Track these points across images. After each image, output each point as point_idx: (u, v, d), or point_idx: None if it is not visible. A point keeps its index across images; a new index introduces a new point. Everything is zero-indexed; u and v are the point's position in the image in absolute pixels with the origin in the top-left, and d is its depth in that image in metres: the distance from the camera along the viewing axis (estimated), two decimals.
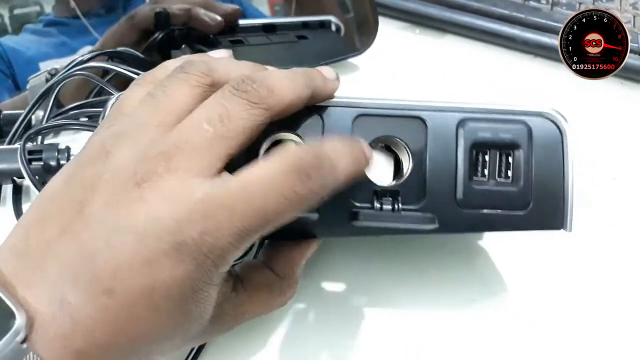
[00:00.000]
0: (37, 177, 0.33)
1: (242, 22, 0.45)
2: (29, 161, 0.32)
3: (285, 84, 0.23)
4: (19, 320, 0.19)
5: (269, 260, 0.27)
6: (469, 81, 0.48)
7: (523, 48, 0.50)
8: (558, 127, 0.25)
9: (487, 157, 0.25)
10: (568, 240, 0.33)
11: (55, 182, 0.23)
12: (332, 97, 0.26)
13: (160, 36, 0.38)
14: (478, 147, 0.25)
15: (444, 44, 0.52)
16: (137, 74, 0.34)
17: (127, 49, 0.37)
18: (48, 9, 0.52)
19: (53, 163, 0.33)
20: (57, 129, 0.36)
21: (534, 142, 0.25)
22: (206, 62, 0.24)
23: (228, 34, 0.44)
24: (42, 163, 0.33)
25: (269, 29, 0.46)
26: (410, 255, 0.32)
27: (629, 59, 0.45)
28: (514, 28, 0.50)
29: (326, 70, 0.26)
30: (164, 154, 0.21)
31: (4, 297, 0.19)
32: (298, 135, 0.25)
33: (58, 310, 0.20)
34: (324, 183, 0.22)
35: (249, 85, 0.22)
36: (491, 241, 0.33)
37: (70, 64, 0.36)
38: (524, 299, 0.31)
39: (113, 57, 0.37)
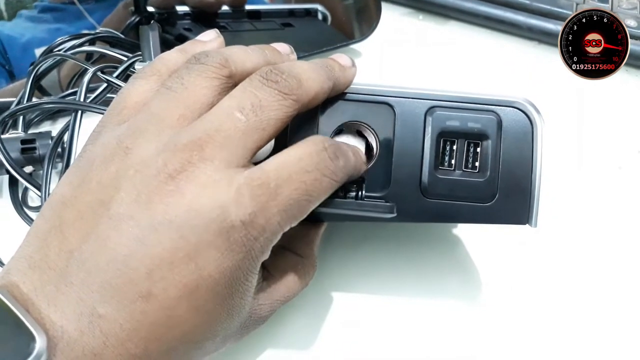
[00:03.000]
0: (31, 166, 0.32)
1: (224, 8, 0.45)
2: (23, 150, 0.32)
3: (310, 75, 0.23)
4: (40, 344, 0.17)
5: (288, 242, 0.26)
6: (472, 67, 0.47)
7: (527, 34, 0.50)
8: (529, 119, 0.25)
9: (454, 147, 0.25)
10: (557, 230, 0.34)
11: (64, 186, 0.21)
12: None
13: (137, 20, 0.37)
14: (446, 136, 0.25)
15: (448, 30, 0.51)
16: (126, 55, 0.34)
17: (109, 30, 0.37)
18: None
19: (44, 152, 0.32)
20: (32, 109, 0.35)
21: (503, 133, 0.25)
22: (221, 52, 0.23)
23: (211, 19, 0.44)
24: (36, 152, 0.32)
25: (253, 15, 0.46)
26: (384, 244, 0.32)
27: (633, 46, 0.45)
28: (518, 14, 0.49)
29: (343, 59, 0.26)
30: (195, 143, 0.20)
31: (23, 319, 0.18)
32: None
33: (87, 325, 0.18)
34: (346, 164, 0.23)
35: (278, 76, 0.22)
36: (468, 229, 0.33)
37: (49, 47, 0.35)
38: (503, 289, 0.31)
39: (95, 40, 0.36)
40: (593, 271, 0.32)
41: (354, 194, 0.24)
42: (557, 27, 0.48)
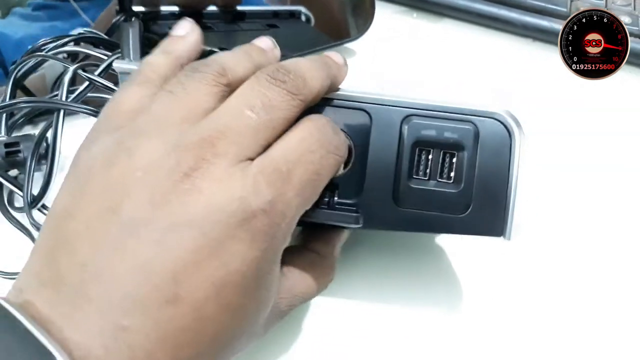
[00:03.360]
0: (16, 169, 0.31)
1: (210, 8, 0.45)
2: (7, 154, 0.31)
3: (314, 74, 0.23)
4: None
5: (308, 242, 0.26)
6: (466, 65, 0.46)
7: (522, 32, 0.49)
8: (508, 131, 0.24)
9: (430, 156, 0.25)
10: (546, 236, 0.33)
11: (63, 197, 0.20)
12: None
13: (122, 19, 0.37)
14: (421, 145, 0.25)
15: (442, 28, 0.51)
16: (107, 55, 0.33)
17: (92, 30, 0.36)
18: None
19: (28, 154, 0.31)
20: (11, 108, 0.34)
21: (480, 145, 0.24)
22: (217, 60, 0.23)
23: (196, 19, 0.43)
24: (20, 155, 0.32)
25: (237, 16, 0.46)
26: (368, 252, 0.31)
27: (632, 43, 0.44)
28: (512, 11, 0.49)
29: (336, 57, 0.26)
30: (206, 140, 0.20)
31: (44, 342, 0.16)
32: None
33: (112, 341, 0.17)
34: (345, 139, 0.23)
35: (285, 76, 0.22)
36: (452, 239, 0.32)
37: (32, 48, 0.35)
38: (487, 299, 0.30)
39: (80, 41, 0.36)
40: (581, 278, 0.32)
41: (327, 199, 0.24)
42: (552, 24, 0.48)
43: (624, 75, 0.45)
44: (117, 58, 0.31)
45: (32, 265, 0.20)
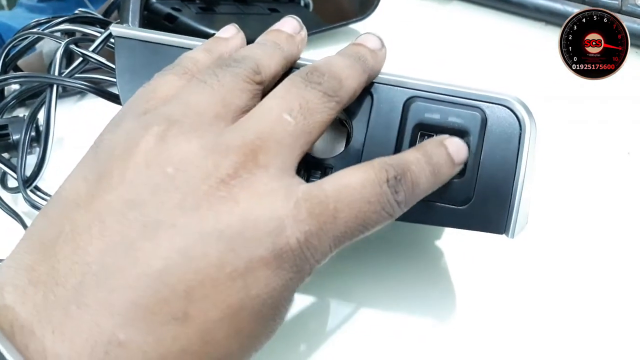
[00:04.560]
0: (6, 153, 0.31)
1: None
2: None
3: (348, 73, 0.22)
4: None
5: None
6: (475, 49, 0.45)
7: (534, 15, 0.48)
8: (518, 120, 0.23)
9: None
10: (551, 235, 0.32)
11: (75, 181, 0.18)
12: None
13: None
14: (424, 129, 0.23)
15: (451, 10, 0.50)
16: (101, 32, 0.32)
17: (87, 10, 0.35)
18: None
19: (17, 137, 0.31)
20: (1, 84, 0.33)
21: (487, 132, 0.23)
22: (252, 58, 0.22)
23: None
24: (10, 138, 0.31)
25: None
26: (365, 253, 0.30)
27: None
28: None
29: (371, 42, 0.24)
30: (248, 147, 0.18)
31: (5, 354, 0.14)
32: None
33: (102, 358, 0.15)
34: (407, 199, 0.20)
35: (320, 77, 0.21)
36: (452, 240, 0.31)
37: (25, 27, 0.34)
38: (486, 302, 0.29)
39: (75, 22, 0.34)
40: (588, 282, 0.30)
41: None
42: (565, 7, 0.46)
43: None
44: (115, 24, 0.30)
45: (22, 256, 0.17)
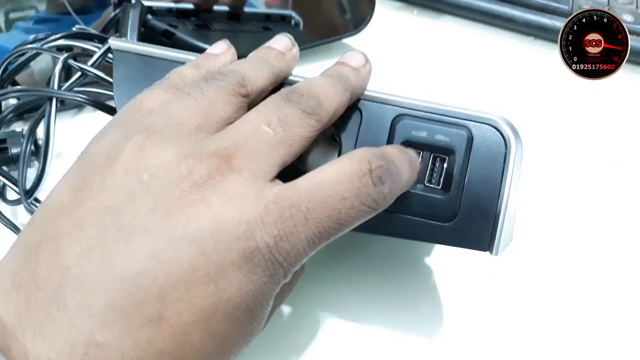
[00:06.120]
0: (5, 167, 0.31)
1: (217, 7, 0.46)
2: None
3: (328, 92, 0.22)
4: None
5: None
6: (466, 63, 0.46)
7: (523, 30, 0.49)
8: (504, 139, 0.23)
9: (419, 159, 0.23)
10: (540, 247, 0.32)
11: (61, 190, 0.19)
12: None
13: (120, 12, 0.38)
14: (411, 146, 0.23)
15: (442, 25, 0.50)
16: (99, 47, 0.33)
17: (85, 27, 0.36)
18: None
19: (16, 150, 0.31)
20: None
21: (472, 151, 0.23)
22: (237, 70, 0.22)
23: (193, 17, 0.45)
24: (8, 152, 0.31)
25: (232, 17, 0.47)
26: (356, 268, 0.30)
27: (633, 42, 0.44)
28: (515, 9, 0.49)
29: (355, 59, 0.25)
30: (222, 152, 0.19)
31: None
32: None
33: (80, 358, 0.16)
34: (392, 189, 0.20)
35: (299, 97, 0.21)
36: (441, 256, 0.31)
37: (23, 42, 0.35)
38: (474, 317, 0.29)
39: (72, 38, 0.35)
40: (576, 301, 0.30)
41: None
42: (554, 22, 0.47)
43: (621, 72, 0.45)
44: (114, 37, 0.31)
45: (8, 262, 0.18)
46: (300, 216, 0.18)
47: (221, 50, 0.25)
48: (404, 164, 0.21)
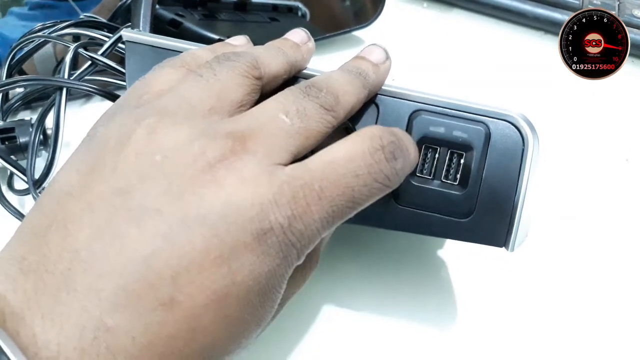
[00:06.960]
0: (13, 156, 0.31)
1: None
2: (2, 140, 0.30)
3: (347, 89, 0.22)
4: None
5: None
6: (475, 57, 0.46)
7: (533, 24, 0.49)
8: (521, 135, 0.23)
9: (436, 155, 0.23)
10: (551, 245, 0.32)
11: (69, 173, 0.18)
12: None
13: (128, 2, 0.37)
14: (428, 142, 0.23)
15: (452, 19, 0.50)
16: (108, 36, 0.32)
17: (92, 15, 0.36)
18: None
19: (24, 140, 0.31)
20: (10, 86, 0.32)
21: (490, 147, 0.23)
22: (250, 52, 0.22)
23: (200, 6, 0.45)
24: (17, 141, 0.31)
25: (239, 7, 0.47)
26: (368, 262, 0.30)
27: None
28: (525, 3, 0.48)
29: (375, 55, 0.24)
30: (238, 135, 0.18)
31: (5, 349, 0.14)
32: None
33: (90, 342, 0.15)
34: (404, 165, 0.20)
35: (317, 92, 0.21)
36: (454, 251, 0.31)
37: (30, 31, 0.34)
38: (485, 313, 0.29)
39: (79, 26, 0.35)
40: (590, 297, 0.30)
41: None
42: (564, 17, 0.47)
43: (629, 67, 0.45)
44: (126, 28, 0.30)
45: (15, 247, 0.17)
46: (313, 195, 0.18)
47: (240, 43, 0.25)
48: (410, 143, 0.21)
